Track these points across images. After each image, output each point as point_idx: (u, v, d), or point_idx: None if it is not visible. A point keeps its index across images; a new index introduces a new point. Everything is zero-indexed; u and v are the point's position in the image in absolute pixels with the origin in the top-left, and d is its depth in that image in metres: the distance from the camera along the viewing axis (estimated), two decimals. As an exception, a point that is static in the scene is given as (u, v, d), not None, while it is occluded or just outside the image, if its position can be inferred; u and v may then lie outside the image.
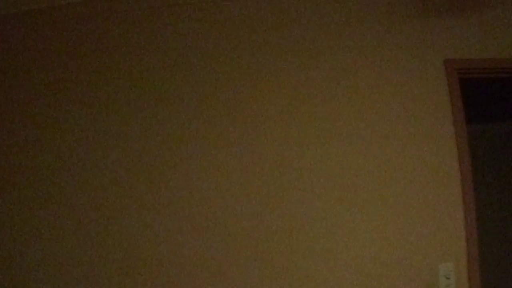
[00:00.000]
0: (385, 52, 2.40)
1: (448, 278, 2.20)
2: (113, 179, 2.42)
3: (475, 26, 2.39)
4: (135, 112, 2.48)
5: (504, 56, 2.33)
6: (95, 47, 2.58)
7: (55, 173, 2.49)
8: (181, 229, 2.34)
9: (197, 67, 2.48)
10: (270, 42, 2.47)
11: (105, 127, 2.49)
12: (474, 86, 3.97)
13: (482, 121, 4.23)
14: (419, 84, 2.35)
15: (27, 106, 2.58)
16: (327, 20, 2.45)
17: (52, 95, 2.58)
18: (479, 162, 4.24)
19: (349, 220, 2.28)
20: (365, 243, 2.26)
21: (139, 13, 2.59)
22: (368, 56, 2.41)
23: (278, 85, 2.42)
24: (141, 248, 2.34)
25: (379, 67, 2.39)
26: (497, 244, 4.16)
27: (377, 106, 2.36)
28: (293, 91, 2.41)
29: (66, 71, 2.58)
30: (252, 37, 2.48)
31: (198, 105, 2.44)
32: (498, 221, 4.17)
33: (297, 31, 2.46)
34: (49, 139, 2.51)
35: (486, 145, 4.23)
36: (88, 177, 2.45)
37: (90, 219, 2.40)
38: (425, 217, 2.26)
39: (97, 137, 2.48)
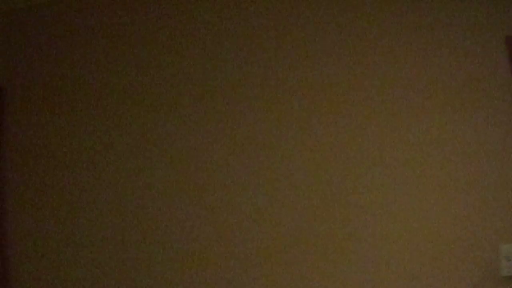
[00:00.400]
0: (442, 29, 2.35)
1: (509, 260, 2.17)
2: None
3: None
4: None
5: None
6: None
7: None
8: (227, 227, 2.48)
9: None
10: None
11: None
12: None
13: None
14: (479, 62, 2.29)
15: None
16: None
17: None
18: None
19: (407, 198, 2.29)
20: (424, 222, 2.26)
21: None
22: (424, 34, 2.36)
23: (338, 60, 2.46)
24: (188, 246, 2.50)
25: (435, 44, 2.35)
26: None
27: (434, 87, 2.33)
28: (351, 70, 2.43)
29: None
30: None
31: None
32: None
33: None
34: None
35: None
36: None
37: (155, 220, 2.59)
38: (486, 195, 2.22)
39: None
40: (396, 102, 2.36)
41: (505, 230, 2.19)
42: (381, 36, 2.41)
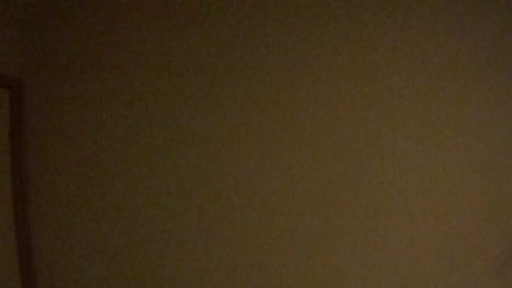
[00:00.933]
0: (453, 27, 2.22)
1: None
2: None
3: None
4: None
5: None
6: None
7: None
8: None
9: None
10: None
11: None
12: None
13: None
14: (489, 53, 2.15)
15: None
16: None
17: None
18: None
19: (433, 178, 2.20)
20: (450, 201, 2.17)
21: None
22: (431, 28, 2.25)
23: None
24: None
25: (441, 37, 2.23)
26: None
27: (444, 76, 2.21)
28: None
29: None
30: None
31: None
32: None
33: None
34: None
35: None
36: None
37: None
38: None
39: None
40: (405, 93, 2.27)
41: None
42: (384, 27, 2.32)
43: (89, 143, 2.69)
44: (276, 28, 2.46)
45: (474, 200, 2.15)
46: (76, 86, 2.74)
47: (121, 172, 2.63)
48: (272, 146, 2.42)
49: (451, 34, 2.23)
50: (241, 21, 2.52)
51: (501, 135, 2.14)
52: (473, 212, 2.15)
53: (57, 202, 2.71)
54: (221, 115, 2.51)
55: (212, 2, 2.58)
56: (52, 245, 2.69)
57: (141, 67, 2.65)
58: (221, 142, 2.50)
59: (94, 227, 2.64)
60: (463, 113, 2.19)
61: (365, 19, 2.34)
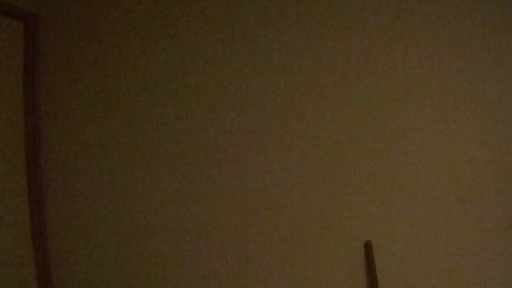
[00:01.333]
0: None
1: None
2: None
3: None
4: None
5: None
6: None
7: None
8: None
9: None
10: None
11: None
12: None
13: None
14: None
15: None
16: None
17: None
18: None
19: (442, 134, 2.24)
20: (459, 154, 2.22)
21: None
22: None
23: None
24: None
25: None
26: None
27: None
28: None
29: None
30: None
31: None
32: None
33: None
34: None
35: None
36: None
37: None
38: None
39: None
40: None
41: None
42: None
43: (105, 79, 2.63)
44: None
45: (487, 157, 2.20)
46: (92, 22, 2.67)
47: (139, 117, 2.60)
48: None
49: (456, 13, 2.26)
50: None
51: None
52: (486, 169, 2.20)
53: (70, 141, 2.68)
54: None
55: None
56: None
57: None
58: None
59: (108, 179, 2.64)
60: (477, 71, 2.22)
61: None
